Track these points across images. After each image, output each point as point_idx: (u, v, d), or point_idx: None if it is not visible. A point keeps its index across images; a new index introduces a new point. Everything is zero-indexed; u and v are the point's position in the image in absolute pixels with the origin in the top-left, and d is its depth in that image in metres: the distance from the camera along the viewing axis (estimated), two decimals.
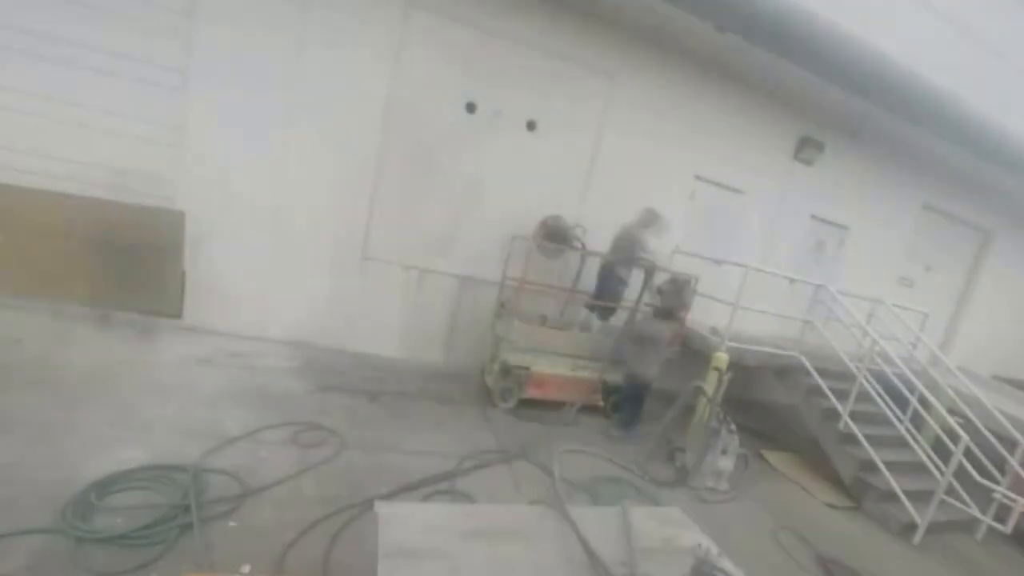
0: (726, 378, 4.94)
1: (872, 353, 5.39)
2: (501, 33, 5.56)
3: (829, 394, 5.27)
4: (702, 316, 6.19)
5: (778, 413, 7.21)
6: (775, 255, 7.34)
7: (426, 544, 1.91)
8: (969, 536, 4.87)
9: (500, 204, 5.95)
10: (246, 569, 2.39)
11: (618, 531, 2.24)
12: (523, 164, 5.97)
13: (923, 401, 5.36)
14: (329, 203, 5.39)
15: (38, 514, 2.45)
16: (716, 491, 4.43)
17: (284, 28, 4.92)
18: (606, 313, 5.75)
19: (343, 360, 5.42)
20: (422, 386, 5.23)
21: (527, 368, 5.15)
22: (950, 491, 4.60)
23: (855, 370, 5.33)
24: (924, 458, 4.89)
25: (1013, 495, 4.54)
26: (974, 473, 4.58)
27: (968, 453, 4.55)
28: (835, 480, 5.16)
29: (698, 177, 6.85)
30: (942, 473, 4.61)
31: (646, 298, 5.66)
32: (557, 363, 5.28)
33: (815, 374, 5.39)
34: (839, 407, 5.18)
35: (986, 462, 4.92)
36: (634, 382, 5.13)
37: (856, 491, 4.98)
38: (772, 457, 5.59)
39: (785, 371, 5.86)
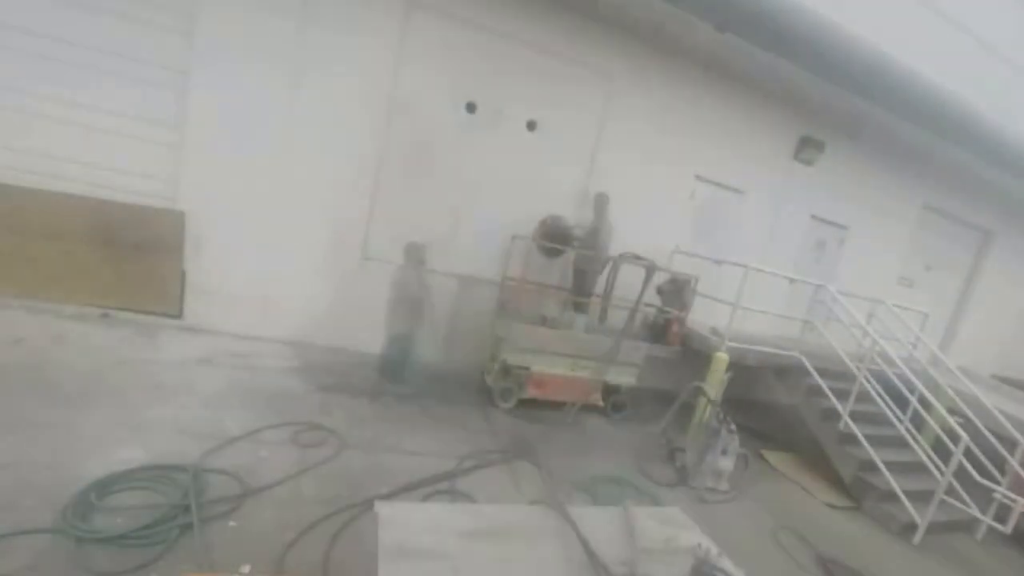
0: (726, 378, 4.94)
1: (872, 353, 5.39)
2: (501, 33, 5.56)
3: (829, 394, 5.26)
4: (702, 316, 6.20)
5: (778, 413, 7.20)
6: (775, 255, 7.34)
7: (426, 544, 1.91)
8: (969, 536, 4.87)
9: (500, 204, 5.95)
10: (246, 569, 2.39)
11: (618, 531, 2.24)
12: (523, 164, 5.97)
13: (923, 401, 5.35)
14: (329, 203, 5.39)
15: (38, 514, 2.45)
16: (716, 491, 4.42)
17: (284, 29, 4.92)
18: (579, 307, 5.67)
19: (343, 360, 5.42)
20: (422, 386, 5.23)
21: (527, 368, 5.15)
22: (950, 491, 4.59)
23: (855, 370, 5.33)
24: (924, 458, 4.89)
25: (1013, 495, 4.53)
26: (974, 473, 4.57)
27: (968, 453, 4.55)
28: (835, 480, 5.16)
29: (698, 177, 6.86)
30: (942, 473, 4.60)
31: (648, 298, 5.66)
32: (557, 363, 5.28)
33: (815, 374, 5.39)
34: (839, 407, 5.18)
35: (986, 462, 4.92)
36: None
37: (856, 491, 4.97)
38: (772, 457, 5.59)
39: (785, 371, 5.85)
